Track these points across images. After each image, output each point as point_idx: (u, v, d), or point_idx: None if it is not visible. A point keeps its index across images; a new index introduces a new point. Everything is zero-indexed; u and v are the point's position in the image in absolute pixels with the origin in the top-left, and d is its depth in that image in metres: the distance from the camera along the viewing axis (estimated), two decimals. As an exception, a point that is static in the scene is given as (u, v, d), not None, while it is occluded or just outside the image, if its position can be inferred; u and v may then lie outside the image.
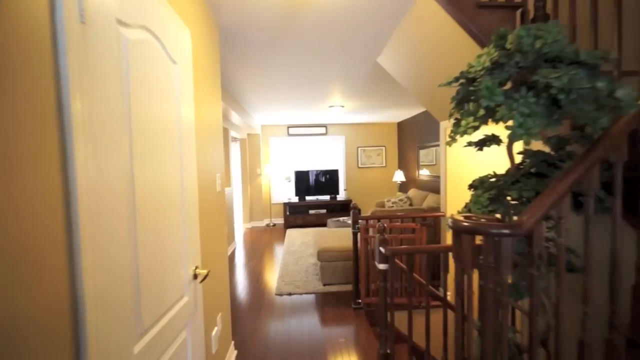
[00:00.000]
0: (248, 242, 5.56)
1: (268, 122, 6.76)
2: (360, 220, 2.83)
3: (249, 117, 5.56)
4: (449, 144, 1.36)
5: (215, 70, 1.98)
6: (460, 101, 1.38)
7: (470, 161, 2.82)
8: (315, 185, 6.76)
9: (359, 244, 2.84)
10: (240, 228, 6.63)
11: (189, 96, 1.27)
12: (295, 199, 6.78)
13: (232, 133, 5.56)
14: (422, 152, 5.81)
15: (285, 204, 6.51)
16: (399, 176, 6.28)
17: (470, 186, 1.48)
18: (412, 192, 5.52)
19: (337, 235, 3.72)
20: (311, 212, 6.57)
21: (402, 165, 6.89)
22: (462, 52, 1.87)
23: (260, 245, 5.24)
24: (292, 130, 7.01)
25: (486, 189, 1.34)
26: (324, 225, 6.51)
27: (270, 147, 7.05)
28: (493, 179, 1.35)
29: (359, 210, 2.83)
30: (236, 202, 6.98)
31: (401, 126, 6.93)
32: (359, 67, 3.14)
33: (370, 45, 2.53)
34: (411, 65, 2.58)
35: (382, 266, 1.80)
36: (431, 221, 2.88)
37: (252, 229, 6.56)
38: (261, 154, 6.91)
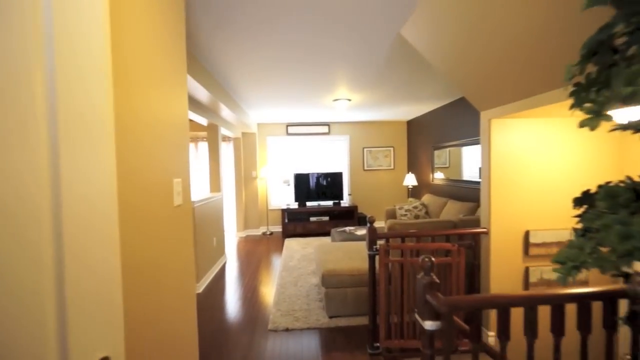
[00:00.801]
0: (242, 254, 4.91)
1: (265, 120, 6.13)
2: (378, 240, 2.19)
3: (243, 114, 4.92)
4: (588, 124, 0.71)
5: (176, 39, 1.34)
6: (588, 54, 0.73)
7: (514, 161, 2.18)
8: (316, 189, 6.12)
9: (376, 268, 2.19)
10: (233, 237, 5.98)
11: (91, 66, 0.62)
12: (295, 205, 6.13)
13: (223, 131, 4.92)
14: (436, 153, 5.17)
15: (283, 211, 5.86)
16: (410, 180, 5.64)
17: (581, 201, 0.85)
18: (427, 198, 4.87)
19: (345, 252, 3.07)
20: (312, 219, 5.92)
21: (413, 167, 6.25)
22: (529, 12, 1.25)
23: (254, 259, 4.58)
24: (291, 129, 6.38)
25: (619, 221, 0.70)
26: (327, 234, 5.86)
27: (268, 148, 6.41)
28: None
29: (371, 221, 2.18)
30: (229, 208, 6.34)
31: (412, 125, 6.31)
32: (374, 47, 2.52)
33: (392, 10, 1.91)
34: (447, 35, 1.95)
35: (429, 324, 1.16)
36: (471, 240, 2.24)
37: (247, 238, 5.91)
38: (257, 155, 6.27)
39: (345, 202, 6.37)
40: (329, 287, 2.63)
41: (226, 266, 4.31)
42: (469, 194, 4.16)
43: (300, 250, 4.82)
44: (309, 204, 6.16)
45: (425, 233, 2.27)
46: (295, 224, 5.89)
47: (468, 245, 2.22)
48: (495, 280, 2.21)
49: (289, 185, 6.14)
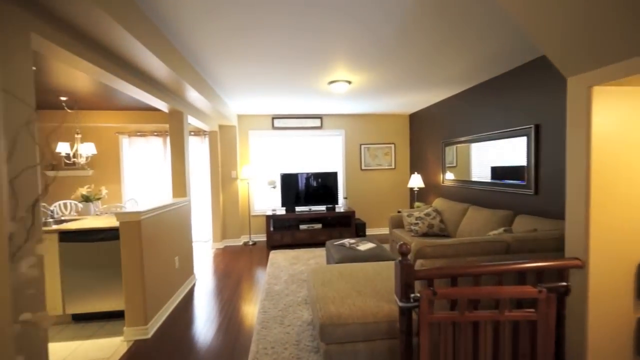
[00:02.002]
0: (217, 270, 3.99)
1: (247, 111, 5.22)
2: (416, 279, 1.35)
3: (219, 102, 4.02)
4: None
5: None
6: None
7: (627, 152, 1.40)
8: (307, 192, 5.26)
9: (412, 325, 1.36)
10: (208, 250, 5.03)
11: None
12: (282, 211, 5.25)
13: (195, 122, 3.99)
14: (447, 150, 4.41)
15: (268, 217, 4.97)
16: (416, 181, 4.86)
17: None
18: (439, 203, 4.09)
19: (349, 281, 2.23)
20: (302, 227, 5.06)
21: (417, 167, 5.48)
22: None
23: (231, 278, 3.68)
24: (278, 122, 5.50)
25: None
26: (319, 244, 5.01)
27: (250, 144, 5.50)
28: None
29: (405, 251, 1.35)
30: (204, 215, 5.39)
31: (415, 119, 5.54)
32: (387, 11, 1.70)
33: None
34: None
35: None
36: (559, 280, 1.43)
37: (226, 250, 4.98)
38: (238, 152, 5.36)
39: (341, 206, 5.53)
40: (330, 342, 1.77)
41: (195, 290, 3.39)
42: (494, 199, 3.40)
43: (287, 267, 3.95)
44: (298, 209, 5.30)
45: (487, 269, 1.45)
46: (283, 232, 5.01)
47: (559, 290, 1.42)
48: (594, 339, 1.41)
49: (274, 187, 5.26)
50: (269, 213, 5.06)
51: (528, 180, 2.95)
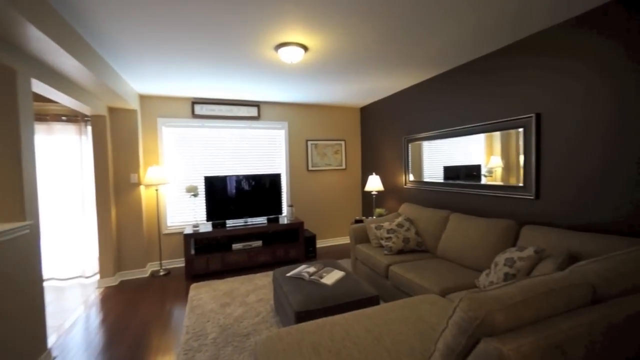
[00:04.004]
0: (101, 330, 2.52)
1: (155, 91, 3.76)
2: None
3: (106, 71, 2.58)
4: None
5: None
6: None
7: None
8: (241, 200, 4.06)
9: None
10: (91, 291, 3.40)
11: None
12: (207, 226, 3.95)
13: (53, 93, 2.43)
14: (412, 147, 3.80)
15: (187, 236, 3.62)
16: (375, 183, 4.14)
17: None
18: (407, 210, 3.42)
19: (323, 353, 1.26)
20: (236, 246, 3.85)
21: (372, 167, 4.80)
22: None
23: (123, 344, 2.30)
24: (200, 109, 4.16)
25: None
26: (260, 268, 3.87)
27: (161, 136, 4.03)
28: None
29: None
30: (85, 238, 3.71)
31: (367, 112, 4.86)
32: None
33: None
34: None
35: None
36: None
37: (123, 287, 3.44)
38: (140, 148, 3.84)
39: (286, 216, 4.49)
40: None
41: (47, 381, 1.93)
42: (481, 204, 2.84)
43: (217, 311, 2.73)
44: (229, 223, 4.06)
45: None
46: (209, 256, 3.71)
47: None
48: None
49: (196, 195, 3.91)
50: (189, 231, 3.71)
51: (527, 182, 2.42)
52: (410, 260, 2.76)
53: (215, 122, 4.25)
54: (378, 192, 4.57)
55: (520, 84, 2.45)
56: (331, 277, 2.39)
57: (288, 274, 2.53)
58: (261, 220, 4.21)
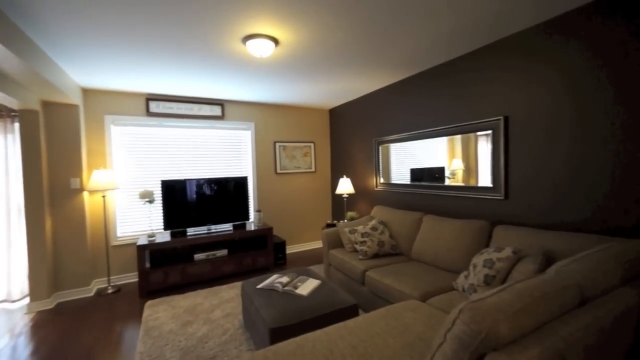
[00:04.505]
0: (25, 370, 2.09)
1: (101, 85, 3.32)
2: None
3: (42, 60, 2.17)
4: None
5: None
6: None
7: None
8: (204, 206, 3.74)
9: None
10: (19, 317, 2.85)
11: None
12: (165, 235, 3.57)
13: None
14: (382, 149, 3.79)
15: (141, 248, 3.22)
16: (346, 186, 4.07)
17: None
18: (380, 213, 3.38)
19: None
20: (198, 256, 3.52)
21: (341, 169, 4.73)
22: None
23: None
24: (156, 106, 3.77)
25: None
26: (227, 278, 3.58)
27: (108, 136, 3.57)
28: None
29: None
30: (4, 255, 3.14)
31: (336, 114, 4.79)
32: None
33: None
34: None
35: None
36: None
37: (61, 309, 2.94)
38: (84, 149, 3.36)
39: (253, 222, 4.23)
40: None
41: None
42: (453, 205, 2.87)
43: (177, 332, 2.42)
44: (191, 231, 3.71)
45: None
46: (167, 268, 3.34)
47: None
48: None
49: (152, 201, 3.52)
50: (143, 241, 3.31)
51: (496, 183, 2.48)
52: (386, 264, 2.69)
53: (174, 122, 3.88)
54: (349, 195, 4.50)
55: (489, 88, 2.51)
56: (306, 287, 2.23)
57: (259, 286, 2.32)
58: (226, 227, 3.91)
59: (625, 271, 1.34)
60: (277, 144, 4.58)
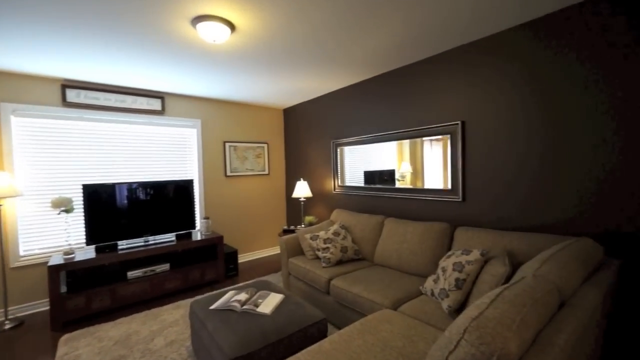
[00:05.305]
0: None
1: (-6, 62, 2.61)
2: None
3: None
4: None
5: None
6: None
7: None
8: (139, 214, 3.21)
9: None
10: None
11: None
12: (89, 251, 2.96)
13: None
14: (340, 150, 3.72)
15: (54, 268, 2.60)
16: (303, 190, 3.89)
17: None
18: (340, 217, 3.29)
19: None
20: (133, 274, 3.00)
21: (297, 172, 4.55)
22: None
23: None
24: (75, 95, 3.12)
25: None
26: (168, 296, 3.11)
27: (7, 129, 2.83)
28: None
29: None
30: None
31: (291, 114, 4.60)
32: None
33: None
34: None
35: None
36: None
37: None
38: (-31, 144, 2.61)
39: (200, 231, 3.79)
40: None
41: None
42: (413, 208, 2.89)
43: (107, 372, 1.97)
44: (123, 244, 3.15)
45: None
46: (91, 291, 2.76)
47: None
48: None
49: (69, 211, 2.88)
50: (57, 260, 2.68)
51: (454, 186, 2.56)
52: (351, 271, 2.58)
53: (100, 115, 3.27)
54: (306, 198, 4.34)
55: (447, 93, 2.59)
56: (269, 304, 1.99)
57: (213, 306, 2.00)
58: (168, 237, 3.42)
59: (585, 270, 1.41)
60: (228, 144, 4.20)
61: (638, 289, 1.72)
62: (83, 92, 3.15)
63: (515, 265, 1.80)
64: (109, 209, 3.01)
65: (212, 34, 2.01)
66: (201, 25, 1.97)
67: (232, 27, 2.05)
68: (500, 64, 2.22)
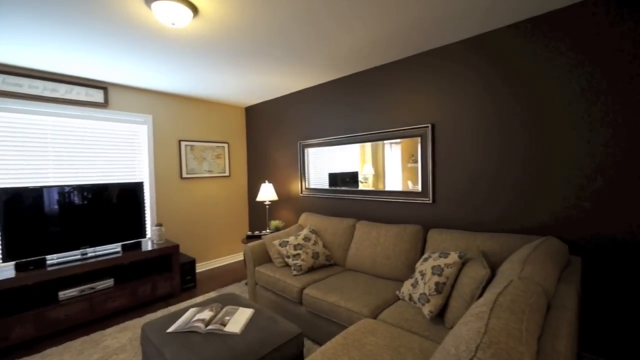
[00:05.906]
0: None
1: None
2: None
3: None
4: None
5: None
6: None
7: None
8: (76, 222, 2.74)
9: None
10: None
11: None
12: (6, 268, 2.43)
13: None
14: (307, 151, 3.61)
15: (-43, 296, 2.07)
16: (268, 193, 3.69)
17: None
18: (309, 220, 3.17)
19: None
20: (66, 294, 2.53)
21: (260, 174, 4.32)
22: None
23: None
24: (-10, 80, 2.57)
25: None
26: (112, 317, 2.69)
27: None
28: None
29: None
30: None
31: (254, 113, 4.37)
32: None
33: None
34: None
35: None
36: None
37: None
38: None
39: (151, 240, 3.38)
40: None
41: None
42: (383, 210, 2.87)
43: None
44: (54, 258, 2.66)
45: None
46: (8, 319, 2.26)
47: None
48: None
49: (-20, 221, 2.34)
50: (-38, 283, 2.15)
51: (424, 188, 2.58)
52: (323, 278, 2.46)
53: (24, 104, 2.73)
54: (272, 202, 4.12)
55: (417, 95, 2.61)
56: (238, 321, 1.78)
57: (170, 329, 1.73)
58: (113, 248, 2.98)
59: (558, 270, 1.47)
60: (183, 143, 3.83)
61: (596, 285, 1.85)
62: (5, 77, 2.60)
63: (490, 266, 1.83)
64: (34, 218, 2.52)
65: (171, 16, 1.76)
66: (158, 5, 1.71)
67: (194, 9, 1.82)
68: (474, 64, 2.29)
